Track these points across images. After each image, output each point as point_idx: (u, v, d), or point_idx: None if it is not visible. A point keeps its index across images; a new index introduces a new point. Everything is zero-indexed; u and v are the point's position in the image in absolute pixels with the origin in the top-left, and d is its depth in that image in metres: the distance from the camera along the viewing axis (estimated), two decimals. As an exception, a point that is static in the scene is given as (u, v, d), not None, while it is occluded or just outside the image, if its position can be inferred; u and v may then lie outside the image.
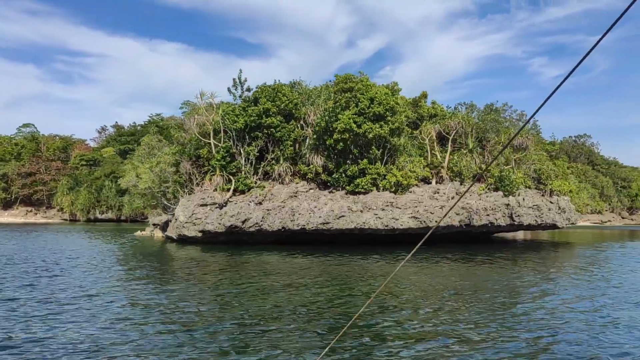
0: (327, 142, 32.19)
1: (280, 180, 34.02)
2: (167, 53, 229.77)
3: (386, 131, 31.57)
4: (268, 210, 31.41)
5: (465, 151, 39.51)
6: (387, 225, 30.85)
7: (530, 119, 3.57)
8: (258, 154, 33.98)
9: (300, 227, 30.91)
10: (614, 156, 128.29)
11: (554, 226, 37.82)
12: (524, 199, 36.06)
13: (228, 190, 32.85)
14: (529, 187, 40.34)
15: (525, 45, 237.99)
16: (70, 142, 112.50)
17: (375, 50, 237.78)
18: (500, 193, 35.37)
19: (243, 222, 30.59)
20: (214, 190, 32.60)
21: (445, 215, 5.43)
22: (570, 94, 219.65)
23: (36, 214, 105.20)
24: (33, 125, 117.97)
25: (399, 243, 34.28)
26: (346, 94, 32.58)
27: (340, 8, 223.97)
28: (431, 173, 35.88)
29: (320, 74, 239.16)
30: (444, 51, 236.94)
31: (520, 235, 53.95)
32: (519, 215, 34.14)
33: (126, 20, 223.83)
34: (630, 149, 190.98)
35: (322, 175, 33.82)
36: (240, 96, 35.48)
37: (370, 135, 31.25)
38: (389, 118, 31.89)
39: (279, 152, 33.77)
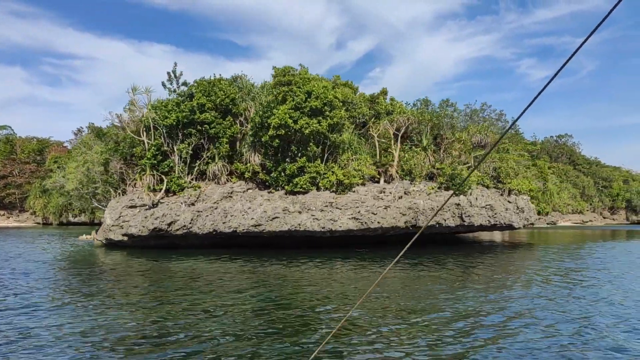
0: (263, 139, 30.27)
1: (216, 180, 32.08)
2: (155, 55, 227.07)
3: (324, 127, 29.69)
4: (199, 212, 29.45)
5: (418, 149, 37.72)
6: (323, 227, 28.97)
7: (514, 122, 3.63)
8: (192, 152, 31.99)
9: (232, 229, 28.99)
10: (599, 157, 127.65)
11: (510, 227, 36.11)
12: (476, 199, 34.31)
13: (160, 190, 30.86)
14: (487, 186, 38.68)
15: (513, 47, 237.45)
16: (47, 144, 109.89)
17: (365, 51, 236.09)
18: (451, 192, 33.58)
19: (169, 224, 28.61)
20: (144, 191, 30.60)
21: (433, 217, 5.29)
22: (556, 96, 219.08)
23: (9, 217, 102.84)
24: (10, 127, 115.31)
25: (346, 245, 32.48)
26: (283, 88, 30.69)
27: (330, 10, 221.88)
28: (378, 172, 34.07)
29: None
30: (433, 53, 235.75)
31: (497, 236, 52.02)
32: (469, 216, 32.38)
33: (114, 22, 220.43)
34: (616, 150, 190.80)
35: (261, 174, 31.93)
36: (174, 91, 33.47)
37: (307, 131, 29.36)
38: (327, 113, 30.02)
39: (214, 150, 31.81)
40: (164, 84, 33.39)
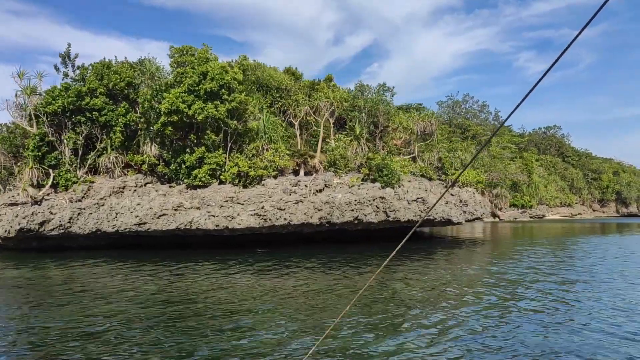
0: (155, 127, 26.96)
1: (110, 174, 28.81)
2: (153, 52, 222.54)
3: (222, 112, 26.31)
4: (81, 209, 26.16)
5: (349, 138, 34.36)
6: (218, 225, 25.64)
7: (506, 119, 3.61)
8: (86, 143, 28.73)
9: (115, 229, 25.72)
10: (598, 150, 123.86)
11: (449, 222, 32.65)
12: (407, 191, 30.92)
13: (46, 185, 27.60)
14: (430, 178, 35.36)
15: (512, 40, 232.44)
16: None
17: (362, 47, 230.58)
18: (378, 184, 30.22)
19: (41, 224, 25.29)
20: (21, 187, 27.37)
21: (431, 208, 4.74)
22: (554, 89, 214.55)
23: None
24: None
25: (266, 243, 29.10)
26: (179, 69, 27.37)
27: (326, 5, 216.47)
28: (297, 163, 30.70)
29: (308, 72, 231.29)
30: (430, 47, 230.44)
31: (478, 231, 48.00)
32: (394, 210, 28.93)
33: (112, 20, 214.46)
34: (614, 143, 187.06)
35: (160, 166, 28.61)
36: (67, 75, 30.09)
37: (201, 117, 26.00)
38: (225, 96, 26.64)
39: (108, 141, 28.52)
40: (56, 68, 30.05)
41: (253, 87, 35.05)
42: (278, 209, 26.78)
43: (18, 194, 27.09)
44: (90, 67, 29.65)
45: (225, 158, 27.65)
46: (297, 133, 32.02)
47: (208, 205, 26.57)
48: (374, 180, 30.56)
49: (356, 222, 28.37)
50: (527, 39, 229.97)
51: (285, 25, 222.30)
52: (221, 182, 27.82)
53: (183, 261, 22.02)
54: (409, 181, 33.23)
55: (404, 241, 4.16)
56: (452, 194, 34.64)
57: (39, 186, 27.84)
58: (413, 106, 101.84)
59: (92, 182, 28.14)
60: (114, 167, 28.27)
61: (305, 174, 30.86)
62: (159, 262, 21.72)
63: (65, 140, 28.10)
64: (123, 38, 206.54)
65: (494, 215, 73.52)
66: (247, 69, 30.15)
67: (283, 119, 34.07)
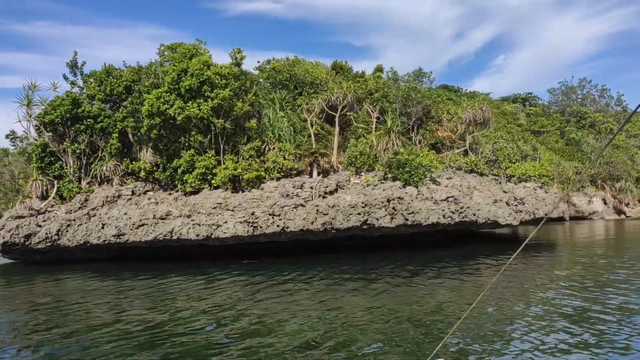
0: (142, 131, 25.21)
1: (111, 183, 27.60)
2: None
3: (205, 111, 23.82)
4: (70, 221, 25.06)
5: (380, 132, 30.28)
6: (198, 235, 23.10)
7: (633, 113, 3.37)
8: (89, 151, 27.84)
9: (100, 240, 24.25)
10: None
11: (495, 224, 27.28)
12: (437, 189, 26.25)
13: (49, 197, 27.08)
14: (481, 173, 30.22)
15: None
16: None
17: (486, 40, 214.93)
18: (399, 183, 25.94)
19: (27, 237, 24.50)
20: (31, 198, 27.10)
21: (542, 223, 5.22)
22: None
23: None
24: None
25: (274, 254, 26.14)
26: (162, 68, 25.40)
27: (445, 0, 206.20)
28: (308, 162, 27.31)
29: (428, 70, 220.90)
30: (562, 33, 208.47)
31: (598, 230, 40.47)
32: (413, 212, 24.48)
33: (242, 37, 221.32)
34: None
35: (157, 172, 26.84)
36: (74, 83, 29.43)
37: (180, 118, 23.73)
38: (208, 94, 24.11)
39: (107, 148, 27.35)
40: (64, 76, 29.61)
41: (290, 84, 32.78)
42: (271, 214, 23.65)
43: (25, 207, 26.75)
44: (90, 73, 28.73)
45: (218, 161, 25.15)
46: (311, 130, 28.62)
47: (199, 213, 24.19)
48: (394, 179, 26.30)
49: (365, 227, 24.36)
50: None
51: (404, 26, 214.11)
52: (216, 187, 25.36)
53: (162, 275, 19.81)
54: (449, 178, 28.46)
55: (519, 249, 4.47)
56: (504, 191, 29.16)
57: (46, 198, 27.38)
58: (522, 96, 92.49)
59: (92, 192, 27.13)
60: (112, 175, 26.97)
61: (319, 174, 27.39)
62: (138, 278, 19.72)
63: (67, 150, 27.38)
64: (253, 53, 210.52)
65: (619, 212, 64.49)
66: (240, 63, 27.38)
67: (320, 115, 30.98)
